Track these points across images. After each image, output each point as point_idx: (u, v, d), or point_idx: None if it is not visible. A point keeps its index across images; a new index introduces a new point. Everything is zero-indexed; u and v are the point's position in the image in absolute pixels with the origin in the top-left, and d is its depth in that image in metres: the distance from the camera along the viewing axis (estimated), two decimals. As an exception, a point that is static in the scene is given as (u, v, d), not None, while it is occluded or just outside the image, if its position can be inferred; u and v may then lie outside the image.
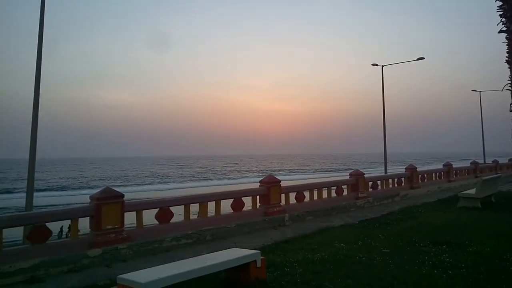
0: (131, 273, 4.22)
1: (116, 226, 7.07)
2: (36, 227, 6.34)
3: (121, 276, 4.16)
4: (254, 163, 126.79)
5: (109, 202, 7.01)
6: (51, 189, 53.02)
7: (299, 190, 11.40)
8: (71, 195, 43.97)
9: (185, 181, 65.06)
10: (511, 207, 11.68)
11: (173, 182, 62.57)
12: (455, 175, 20.25)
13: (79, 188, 53.98)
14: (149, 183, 60.49)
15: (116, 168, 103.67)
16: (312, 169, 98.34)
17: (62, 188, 55.37)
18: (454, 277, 5.13)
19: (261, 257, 5.18)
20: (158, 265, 4.66)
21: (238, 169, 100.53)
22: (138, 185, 57.74)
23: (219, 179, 69.59)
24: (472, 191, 12.18)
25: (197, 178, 70.40)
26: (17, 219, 6.60)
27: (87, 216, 7.01)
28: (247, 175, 78.38)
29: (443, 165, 20.30)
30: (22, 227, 9.98)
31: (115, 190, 7.31)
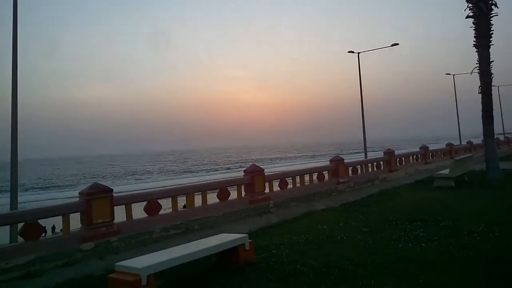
0: (128, 260, 4.49)
1: (107, 220, 7.27)
2: (28, 224, 6.49)
3: (119, 263, 4.43)
4: (241, 155, 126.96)
5: (98, 197, 7.19)
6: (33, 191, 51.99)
7: (282, 178, 11.77)
8: (51, 198, 42.94)
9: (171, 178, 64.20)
10: (483, 185, 12.36)
11: (158, 180, 61.31)
12: (431, 157, 21.00)
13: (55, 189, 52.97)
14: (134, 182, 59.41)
15: (92, 167, 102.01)
16: (294, 156, 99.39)
17: (32, 189, 54.01)
18: (426, 248, 5.59)
19: (249, 241, 5.52)
20: (151, 253, 4.93)
21: (225, 162, 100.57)
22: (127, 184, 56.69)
23: (205, 173, 69.40)
24: (446, 171, 12.80)
25: (184, 174, 69.96)
26: (9, 217, 6.75)
27: (78, 212, 7.17)
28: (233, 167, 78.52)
29: (420, 148, 21.01)
30: (8, 228, 10.14)
31: (103, 185, 7.50)
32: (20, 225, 7.01)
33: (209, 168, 78.98)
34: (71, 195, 39.53)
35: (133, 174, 73.96)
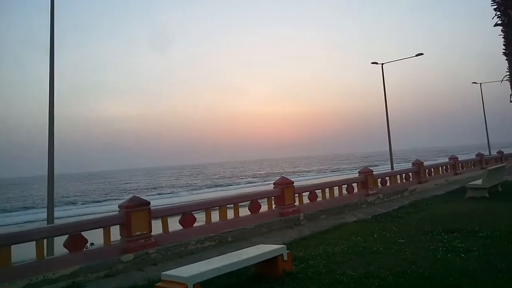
0: (174, 269, 4.65)
1: (145, 232, 7.50)
2: (72, 236, 6.77)
3: (165, 272, 4.60)
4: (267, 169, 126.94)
5: (137, 210, 7.44)
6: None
7: (311, 190, 11.81)
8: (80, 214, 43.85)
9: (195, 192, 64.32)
10: (518, 195, 12.05)
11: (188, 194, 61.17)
12: (461, 168, 20.58)
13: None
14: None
15: (115, 183, 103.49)
16: (317, 169, 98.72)
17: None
18: (467, 259, 5.53)
19: (287, 251, 5.60)
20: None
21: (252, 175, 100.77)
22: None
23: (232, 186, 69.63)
24: (478, 182, 12.55)
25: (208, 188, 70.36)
26: (56, 230, 7.05)
27: (118, 224, 7.44)
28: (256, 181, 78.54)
29: (449, 158, 20.64)
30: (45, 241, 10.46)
31: (141, 198, 7.75)
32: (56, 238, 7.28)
33: (232, 181, 79.22)
34: (100, 210, 40.51)
35: (155, 188, 74.79)
